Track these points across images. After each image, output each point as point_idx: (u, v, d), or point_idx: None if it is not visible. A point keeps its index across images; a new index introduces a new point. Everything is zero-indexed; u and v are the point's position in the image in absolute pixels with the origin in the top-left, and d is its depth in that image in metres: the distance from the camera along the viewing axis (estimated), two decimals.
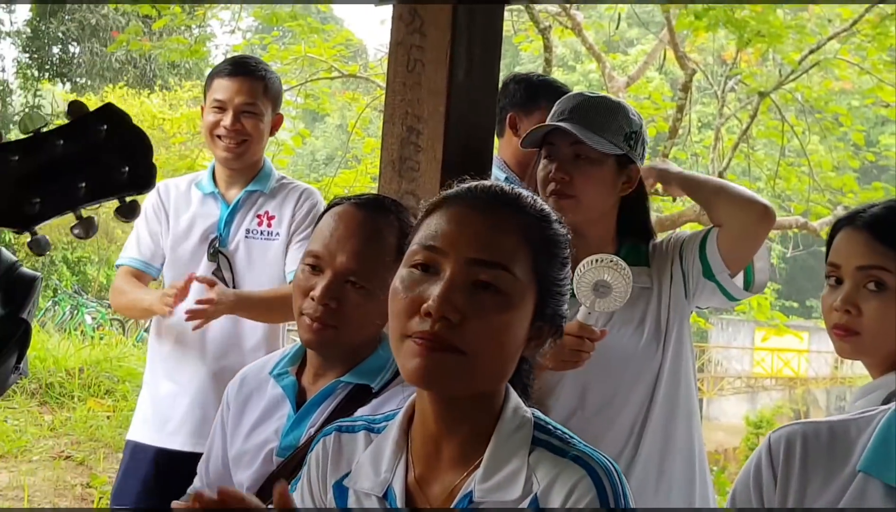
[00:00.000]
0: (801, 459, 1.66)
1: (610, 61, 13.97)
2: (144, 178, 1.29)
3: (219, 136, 3.87)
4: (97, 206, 1.29)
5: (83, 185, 1.24)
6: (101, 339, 13.30)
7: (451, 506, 1.74)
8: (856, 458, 1.61)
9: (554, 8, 12.35)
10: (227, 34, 24.43)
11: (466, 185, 1.85)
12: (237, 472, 2.52)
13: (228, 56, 7.25)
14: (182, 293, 3.70)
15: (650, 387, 2.96)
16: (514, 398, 1.81)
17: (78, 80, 23.17)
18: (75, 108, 1.26)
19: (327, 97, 13.54)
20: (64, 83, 23.68)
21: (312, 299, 2.36)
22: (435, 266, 1.72)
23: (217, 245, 3.84)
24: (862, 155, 14.38)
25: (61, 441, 8.82)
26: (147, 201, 4.07)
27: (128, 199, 1.28)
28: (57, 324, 14.46)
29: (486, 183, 1.87)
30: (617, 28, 16.61)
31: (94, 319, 15.40)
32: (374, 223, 2.40)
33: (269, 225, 3.93)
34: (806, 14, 12.30)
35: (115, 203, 1.25)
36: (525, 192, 1.88)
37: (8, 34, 23.66)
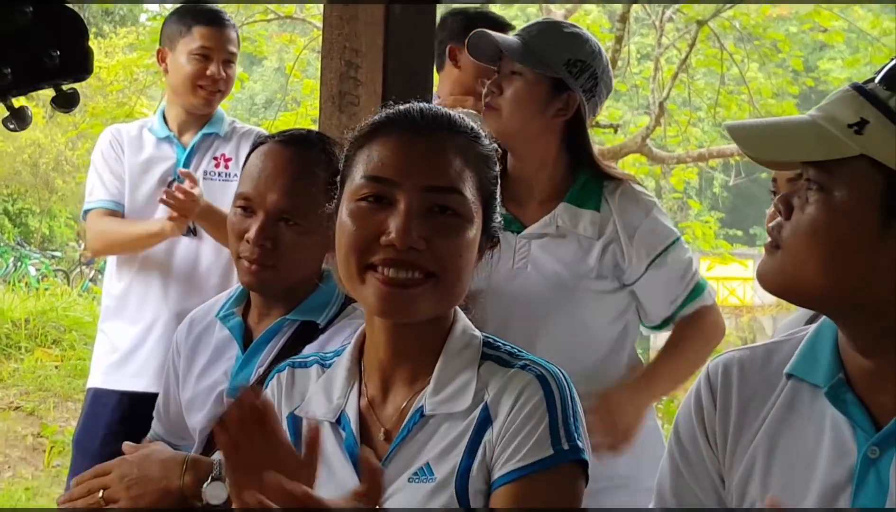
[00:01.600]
0: (738, 383, 1.69)
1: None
2: (80, 63, 1.24)
3: (201, 86, 3.88)
4: (26, 93, 1.23)
5: (8, 71, 1.19)
6: (45, 290, 13.25)
7: (403, 422, 1.77)
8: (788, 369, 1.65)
9: None
10: None
11: (402, 109, 1.87)
12: (190, 416, 2.52)
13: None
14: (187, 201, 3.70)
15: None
16: (463, 319, 1.85)
17: None
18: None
19: (264, 40, 13.51)
20: None
21: (248, 242, 2.35)
22: (388, 197, 1.73)
23: (175, 182, 3.83)
24: (801, 80, 14.47)
25: (10, 392, 8.82)
26: (100, 145, 4.10)
27: (64, 87, 1.24)
28: (0, 276, 14.37)
29: (418, 105, 1.88)
30: None
31: (37, 270, 15.34)
32: (302, 159, 2.40)
33: (226, 167, 3.99)
34: None
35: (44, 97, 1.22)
36: (454, 113, 1.89)
37: None
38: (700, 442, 1.70)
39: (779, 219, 1.52)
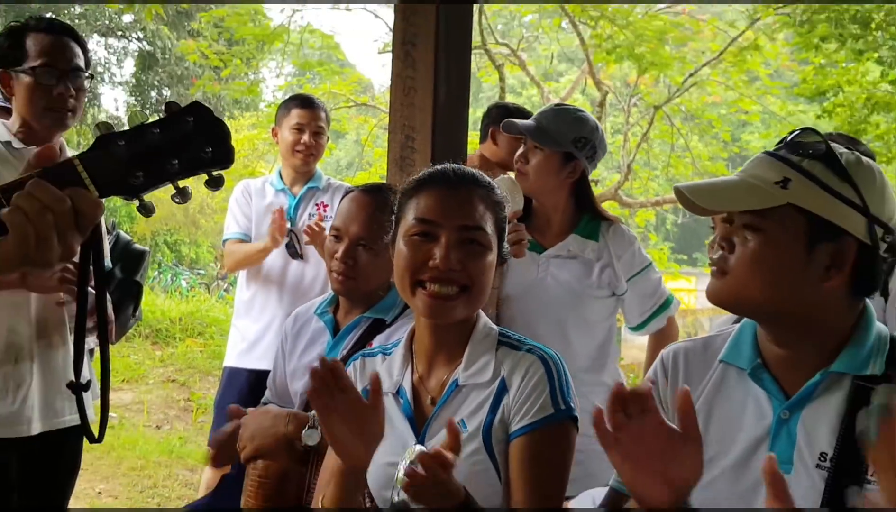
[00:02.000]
0: (684, 366, 1.69)
1: (546, 88, 13.99)
2: (225, 156, 1.24)
3: (298, 151, 3.89)
4: (188, 178, 1.23)
5: (176, 162, 1.20)
6: (192, 297, 13.33)
7: (443, 393, 1.79)
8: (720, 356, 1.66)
9: (506, 50, 12.36)
10: (273, 78, 24.19)
11: (440, 168, 1.88)
12: (292, 384, 2.51)
13: (279, 94, 7.23)
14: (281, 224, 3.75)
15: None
16: (483, 316, 1.86)
17: None
18: (170, 107, 1.22)
19: (346, 121, 13.55)
20: None
21: (337, 260, 2.36)
22: (432, 233, 1.75)
23: (289, 225, 3.82)
24: (729, 148, 14.42)
25: (168, 369, 8.86)
26: (234, 194, 4.11)
27: (214, 173, 1.24)
28: (162, 287, 14.45)
29: (451, 166, 1.89)
30: (551, 63, 16.58)
31: (187, 283, 15.39)
32: (374, 203, 2.37)
33: (324, 210, 3.95)
34: (686, 48, 12.33)
35: (203, 179, 1.23)
36: (478, 172, 1.89)
37: (119, 83, 23.69)
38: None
39: (721, 252, 1.52)
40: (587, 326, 2.89)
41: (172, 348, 9.55)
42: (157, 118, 1.21)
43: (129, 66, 23.15)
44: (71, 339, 2.55)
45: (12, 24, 2.60)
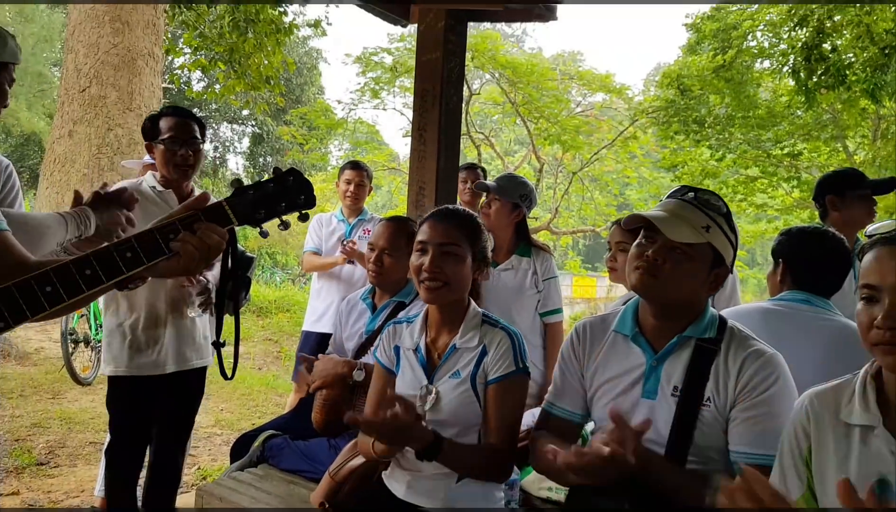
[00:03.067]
0: (590, 335, 1.66)
1: (507, 160, 14.09)
2: (311, 201, 1.25)
3: (348, 196, 3.79)
4: (289, 214, 1.24)
5: (283, 204, 1.21)
6: (283, 287, 13.21)
7: (446, 352, 1.75)
8: (613, 327, 1.64)
9: (481, 136, 12.43)
10: (337, 151, 23.94)
11: (437, 209, 1.85)
12: (346, 343, 2.47)
13: (340, 162, 7.13)
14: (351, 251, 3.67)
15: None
16: (472, 302, 1.81)
17: None
18: (277, 170, 1.22)
19: (382, 178, 13.60)
20: None
21: (371, 263, 2.34)
22: (424, 248, 1.73)
23: (344, 243, 3.72)
24: (618, 199, 14.63)
25: (266, 332, 8.78)
26: (312, 223, 4.00)
27: (303, 211, 1.25)
28: (264, 280, 14.29)
29: (445, 206, 1.86)
30: (510, 145, 16.63)
31: (280, 278, 15.26)
32: (393, 227, 2.35)
33: (367, 234, 3.80)
34: (592, 138, 12.55)
35: (296, 214, 1.26)
36: (460, 208, 1.86)
37: (239, 153, 23.52)
38: (573, 364, 1.67)
39: (655, 261, 1.47)
40: (523, 311, 2.84)
41: (269, 319, 9.43)
42: (269, 177, 1.22)
43: (246, 142, 23.09)
44: (192, 310, 2.50)
45: (152, 113, 2.56)
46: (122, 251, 1.00)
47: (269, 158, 22.14)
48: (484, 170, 4.21)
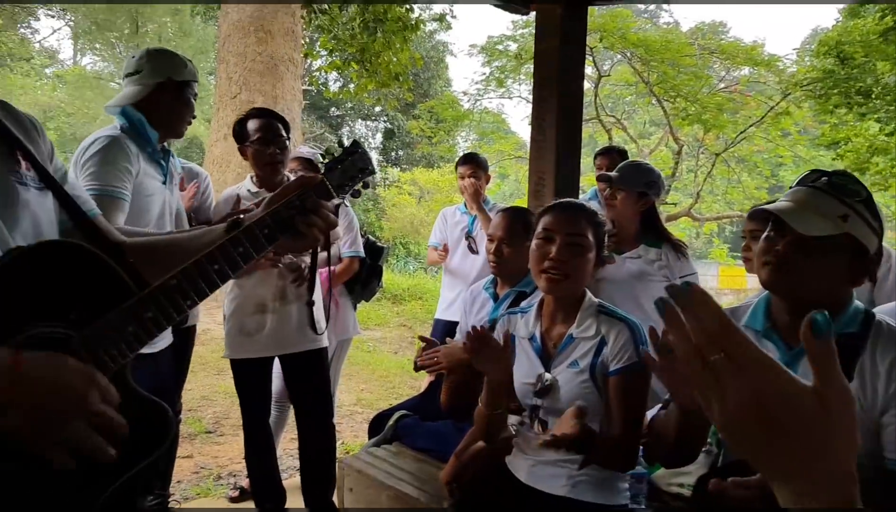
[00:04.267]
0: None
1: (641, 143, 13.55)
2: (372, 170, 1.29)
3: (463, 189, 3.78)
4: (359, 184, 1.27)
5: (358, 174, 1.26)
6: (416, 275, 13.54)
7: (562, 342, 1.76)
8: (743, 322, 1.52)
9: (612, 120, 12.07)
10: (464, 142, 24.02)
11: (557, 201, 1.86)
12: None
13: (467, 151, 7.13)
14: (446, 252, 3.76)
15: None
16: (587, 292, 1.81)
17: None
18: (341, 142, 1.28)
19: (509, 167, 13.63)
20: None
21: (491, 254, 2.37)
22: (550, 238, 1.74)
23: (468, 234, 3.78)
24: (770, 181, 13.59)
25: (401, 318, 9.05)
26: (439, 217, 4.06)
27: (367, 179, 1.28)
28: (398, 269, 14.78)
29: (566, 199, 1.87)
30: (644, 127, 16.00)
31: (413, 267, 15.71)
32: (511, 218, 2.35)
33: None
34: (738, 116, 11.70)
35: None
36: (583, 202, 1.86)
37: (372, 148, 24.33)
38: None
39: (785, 255, 1.38)
40: (651, 298, 2.70)
41: (404, 306, 9.72)
42: (341, 150, 1.28)
43: (378, 137, 23.89)
44: (295, 301, 2.64)
45: (241, 115, 2.71)
46: (261, 227, 1.08)
47: (400, 152, 22.81)
48: (624, 152, 4.06)
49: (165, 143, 2.31)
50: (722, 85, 12.48)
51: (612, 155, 3.80)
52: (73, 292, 0.91)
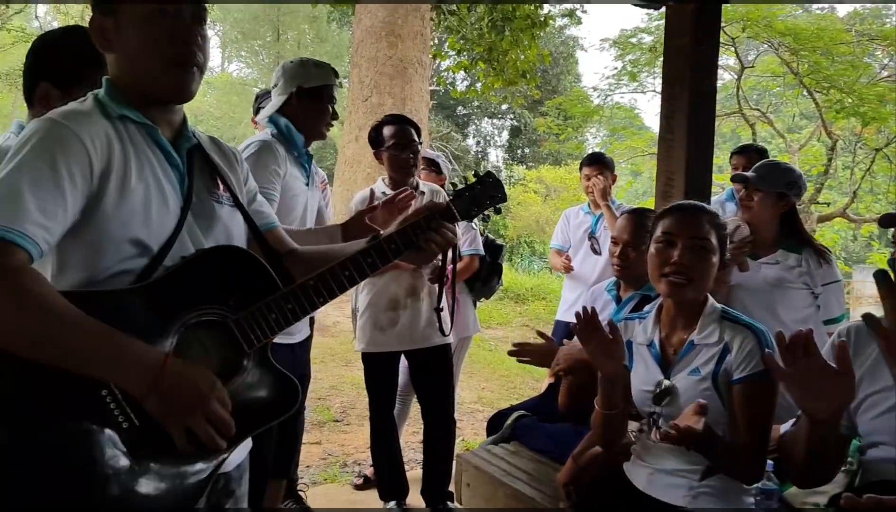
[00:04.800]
0: (854, 341, 1.52)
1: (789, 138, 12.64)
2: (503, 198, 1.44)
3: (589, 191, 3.76)
4: (489, 209, 1.44)
5: (487, 201, 1.43)
6: (540, 275, 13.41)
7: (683, 348, 1.73)
8: None
9: (757, 113, 11.38)
10: (593, 139, 23.55)
11: (680, 203, 1.84)
12: None
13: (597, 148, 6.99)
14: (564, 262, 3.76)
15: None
16: (710, 297, 1.77)
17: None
18: (477, 173, 1.43)
19: (642, 164, 13.19)
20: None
21: (615, 256, 2.35)
22: (672, 241, 1.72)
23: (591, 235, 3.75)
24: None
25: (523, 318, 9.06)
26: (562, 217, 4.06)
27: (497, 206, 1.44)
28: (522, 269, 14.70)
29: (686, 201, 1.84)
30: (793, 121, 14.91)
31: (537, 266, 15.58)
32: (636, 220, 2.31)
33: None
34: None
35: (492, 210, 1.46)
36: (705, 205, 1.82)
37: (498, 146, 24.46)
38: None
39: None
40: (791, 310, 2.54)
41: (527, 306, 9.71)
42: (475, 179, 1.43)
43: (505, 135, 23.96)
44: (426, 299, 2.79)
45: (376, 122, 2.89)
46: (389, 244, 1.31)
47: (526, 150, 22.75)
48: (763, 151, 3.87)
49: (308, 148, 2.49)
50: (884, 74, 11.35)
51: (749, 154, 3.62)
52: (234, 284, 1.17)
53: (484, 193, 1.42)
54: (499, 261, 3.41)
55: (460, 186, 1.43)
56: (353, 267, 1.25)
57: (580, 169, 3.95)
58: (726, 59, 11.47)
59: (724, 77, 12.25)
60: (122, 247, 1.10)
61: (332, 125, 2.44)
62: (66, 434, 1.02)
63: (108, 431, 1.04)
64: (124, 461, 1.05)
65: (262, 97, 3.09)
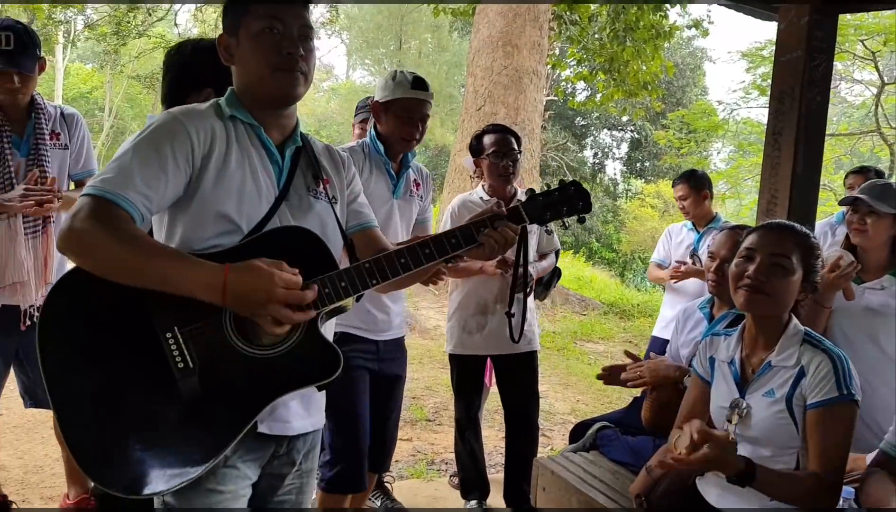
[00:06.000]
0: None
1: None
2: (587, 208, 1.47)
3: (682, 210, 3.78)
4: (570, 217, 1.47)
5: (565, 209, 1.47)
6: (652, 291, 12.95)
7: (760, 368, 1.73)
8: None
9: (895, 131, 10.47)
10: (717, 154, 22.54)
11: (769, 221, 1.83)
12: (681, 350, 2.49)
13: (721, 165, 6.74)
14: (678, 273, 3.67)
15: None
16: (794, 319, 1.75)
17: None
18: (562, 181, 1.48)
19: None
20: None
21: (711, 273, 2.32)
22: (751, 256, 1.72)
23: (693, 252, 3.68)
24: None
25: (628, 334, 8.77)
26: (665, 232, 4.01)
27: (581, 215, 1.47)
28: (634, 284, 14.24)
29: (776, 220, 1.83)
30: None
31: (649, 284, 15.12)
32: (736, 237, 2.25)
33: None
34: None
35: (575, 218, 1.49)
36: (796, 225, 1.79)
37: (616, 158, 23.93)
38: None
39: None
40: (892, 335, 2.36)
41: (632, 322, 9.46)
42: (555, 187, 1.48)
43: (624, 147, 23.45)
44: (515, 305, 2.80)
45: (478, 131, 2.98)
46: (449, 238, 1.38)
47: (646, 163, 22.17)
48: (880, 172, 3.66)
49: (408, 155, 2.56)
50: None
51: (867, 174, 3.43)
52: (300, 260, 1.28)
53: (563, 200, 1.45)
54: (556, 265, 3.40)
55: (540, 192, 1.48)
56: (408, 255, 1.35)
57: (672, 186, 3.90)
58: (867, 73, 10.69)
59: (864, 93, 11.40)
60: (216, 221, 1.30)
61: (412, 138, 2.48)
62: (124, 362, 1.23)
63: (162, 369, 1.22)
64: (171, 397, 1.22)
65: (361, 107, 3.31)
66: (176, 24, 16.51)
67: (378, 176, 2.48)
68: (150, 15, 14.07)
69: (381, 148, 2.49)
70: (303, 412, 1.43)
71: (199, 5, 15.25)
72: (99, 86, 20.79)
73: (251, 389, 1.26)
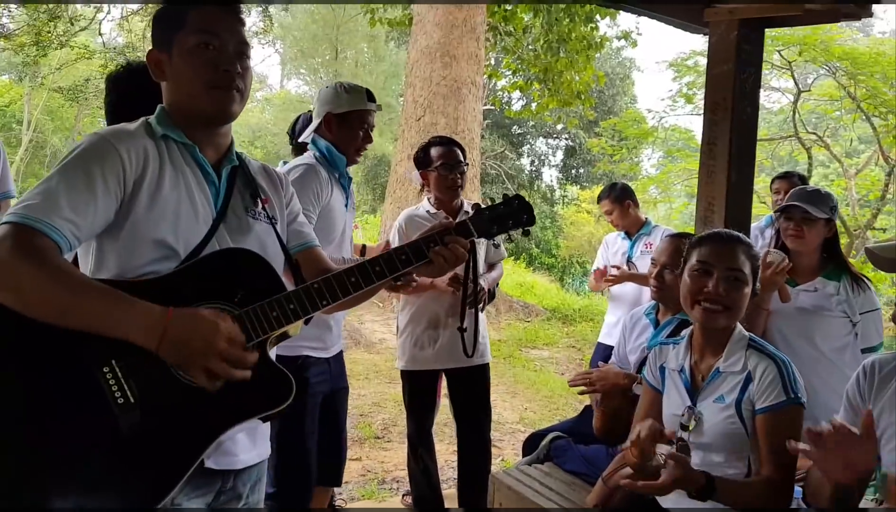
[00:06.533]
0: (878, 374, 1.54)
1: (846, 163, 12.28)
2: (531, 221, 1.47)
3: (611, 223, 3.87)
4: (515, 231, 1.46)
5: (510, 222, 1.46)
6: (590, 296, 13.23)
7: (710, 375, 1.76)
8: None
9: (814, 136, 11.08)
10: (647, 160, 23.22)
11: (715, 231, 1.87)
12: (629, 356, 2.53)
13: (653, 170, 6.91)
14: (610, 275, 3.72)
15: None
16: (738, 325, 1.80)
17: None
18: (506, 195, 1.47)
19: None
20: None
21: (652, 278, 2.37)
22: (708, 271, 1.75)
23: (629, 259, 3.74)
24: None
25: (570, 339, 8.91)
26: (602, 242, 4.08)
27: (525, 228, 1.47)
28: (573, 288, 14.50)
29: (722, 230, 1.87)
30: (850, 145, 14.47)
31: (588, 288, 15.37)
32: (676, 244, 2.30)
33: (648, 248, 3.77)
34: None
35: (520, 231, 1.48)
36: (741, 235, 1.84)
37: (552, 165, 24.36)
38: (857, 403, 1.57)
39: None
40: (827, 335, 2.48)
41: (574, 327, 9.57)
42: (500, 201, 1.47)
43: (559, 155, 23.81)
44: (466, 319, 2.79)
45: (423, 143, 2.97)
46: (399, 254, 1.35)
47: (581, 170, 22.61)
48: (803, 177, 3.84)
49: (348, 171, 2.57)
50: None
51: (791, 179, 3.60)
52: (242, 283, 1.26)
53: (508, 214, 1.45)
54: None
55: (486, 206, 1.47)
56: (359, 273, 1.31)
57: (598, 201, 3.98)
58: (784, 81, 11.26)
59: (781, 100, 12.03)
60: (151, 248, 1.23)
61: (364, 149, 2.49)
62: (60, 398, 1.15)
63: (101, 402, 1.15)
64: (111, 434, 1.15)
65: (300, 120, 3.23)
66: (101, 34, 15.86)
67: (337, 190, 2.42)
68: (72, 24, 13.49)
69: (342, 160, 2.43)
70: (249, 444, 1.37)
71: (123, 15, 14.73)
72: (17, 99, 19.81)
73: (197, 423, 1.19)
